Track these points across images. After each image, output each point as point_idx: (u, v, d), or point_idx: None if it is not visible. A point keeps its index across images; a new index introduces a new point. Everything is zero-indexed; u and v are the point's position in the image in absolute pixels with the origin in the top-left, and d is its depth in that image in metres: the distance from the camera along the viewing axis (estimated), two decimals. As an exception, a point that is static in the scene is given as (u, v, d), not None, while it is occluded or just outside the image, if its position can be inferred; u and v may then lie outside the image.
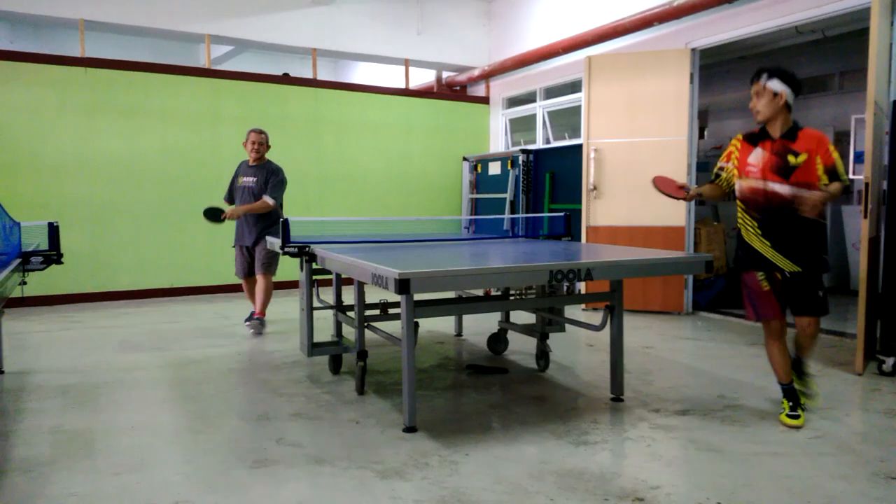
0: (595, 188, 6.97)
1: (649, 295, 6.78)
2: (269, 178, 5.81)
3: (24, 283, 3.96)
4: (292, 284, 8.23)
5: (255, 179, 5.83)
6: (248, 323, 5.87)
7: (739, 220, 3.57)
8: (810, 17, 5.86)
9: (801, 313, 3.60)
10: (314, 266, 4.32)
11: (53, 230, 4.08)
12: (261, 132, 5.91)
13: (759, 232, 3.47)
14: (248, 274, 6.03)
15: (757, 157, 3.50)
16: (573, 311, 6.68)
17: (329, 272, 4.64)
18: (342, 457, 3.02)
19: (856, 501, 2.56)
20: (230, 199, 6.02)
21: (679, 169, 6.64)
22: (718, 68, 9.29)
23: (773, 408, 3.71)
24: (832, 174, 3.35)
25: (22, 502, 2.59)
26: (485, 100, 10.14)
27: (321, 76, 9.31)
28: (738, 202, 3.58)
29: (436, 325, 5.99)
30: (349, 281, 3.98)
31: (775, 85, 3.52)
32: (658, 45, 7.03)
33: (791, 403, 3.44)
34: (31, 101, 7.29)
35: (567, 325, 4.69)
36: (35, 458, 3.02)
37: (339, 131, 8.98)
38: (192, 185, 8.11)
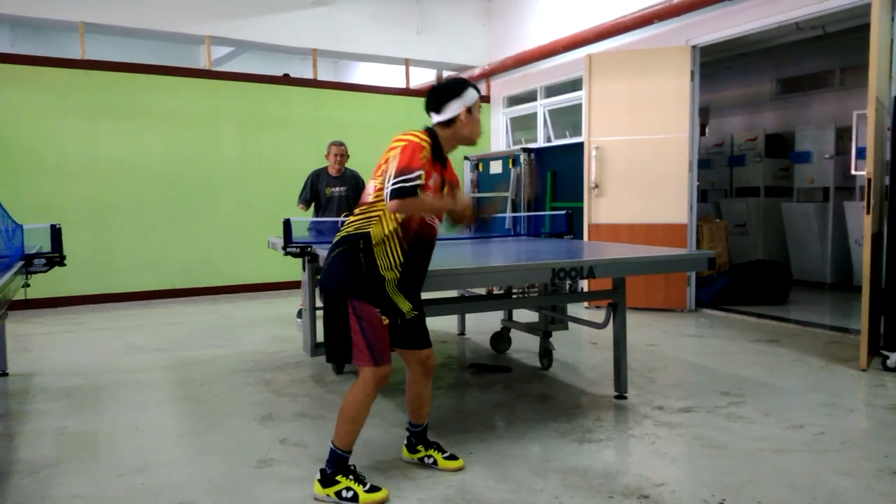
0: (597, 186, 6.96)
1: (652, 292, 6.78)
2: (358, 179, 6.19)
3: (28, 285, 3.96)
4: (294, 285, 8.25)
5: (345, 188, 6.10)
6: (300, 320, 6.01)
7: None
8: (811, 14, 5.85)
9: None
10: (317, 266, 4.31)
11: (56, 232, 4.07)
12: (341, 144, 6.20)
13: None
14: None
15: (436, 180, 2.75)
16: (576, 309, 6.68)
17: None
18: (346, 456, 3.01)
19: (861, 497, 2.56)
20: (307, 204, 6.16)
21: (680, 167, 6.64)
22: (719, 65, 9.28)
23: (777, 404, 3.70)
24: None
25: (27, 504, 2.59)
26: (485, 99, 10.13)
27: (321, 77, 9.30)
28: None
29: (439, 324, 5.98)
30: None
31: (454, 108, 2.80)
32: (659, 42, 7.02)
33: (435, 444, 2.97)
34: (31, 104, 7.29)
35: (570, 323, 4.69)
36: (40, 459, 3.03)
37: (339, 131, 8.93)
38: (194, 186, 8.12)
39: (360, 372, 2.63)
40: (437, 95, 2.77)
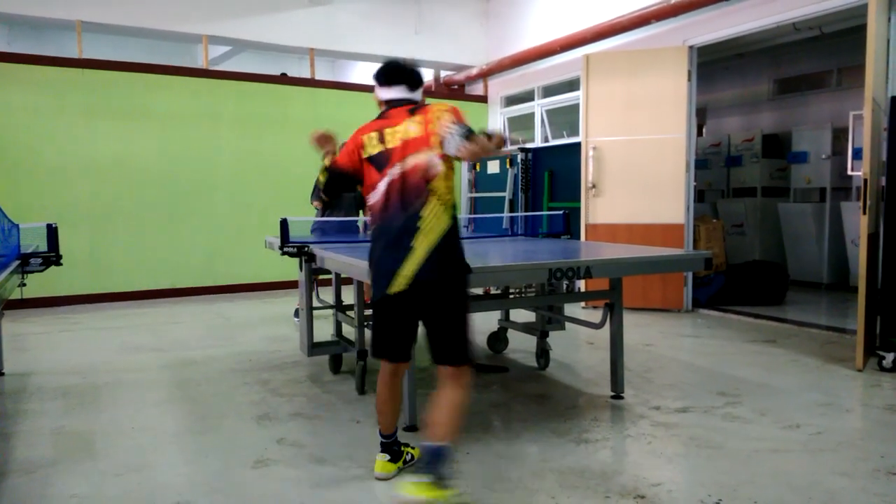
0: (594, 186, 6.97)
1: (649, 292, 6.79)
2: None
3: (24, 284, 3.95)
4: (292, 285, 8.24)
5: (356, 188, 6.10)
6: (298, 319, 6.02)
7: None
8: (808, 14, 5.86)
9: None
10: (313, 266, 4.31)
11: (52, 231, 4.06)
12: None
13: None
14: None
15: None
16: (573, 309, 6.68)
17: (328, 272, 4.64)
18: (343, 456, 3.02)
19: (857, 497, 2.57)
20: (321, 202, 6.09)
21: (677, 167, 6.65)
22: (716, 66, 9.30)
23: (773, 404, 3.71)
24: None
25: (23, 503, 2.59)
26: (483, 98, 10.13)
27: (319, 76, 9.30)
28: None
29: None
30: (348, 280, 3.98)
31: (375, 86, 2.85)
32: (656, 42, 7.03)
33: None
34: (28, 103, 7.27)
35: (567, 323, 4.69)
36: (36, 459, 3.02)
37: (337, 131, 8.94)
38: (191, 185, 8.11)
39: (463, 372, 2.56)
40: (418, 75, 2.81)
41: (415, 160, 2.55)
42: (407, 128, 2.59)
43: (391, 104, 2.70)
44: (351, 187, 2.83)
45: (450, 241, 2.54)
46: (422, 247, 2.49)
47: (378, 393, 2.78)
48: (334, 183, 2.80)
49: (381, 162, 2.60)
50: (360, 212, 6.20)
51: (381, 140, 2.62)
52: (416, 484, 2.33)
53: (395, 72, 2.74)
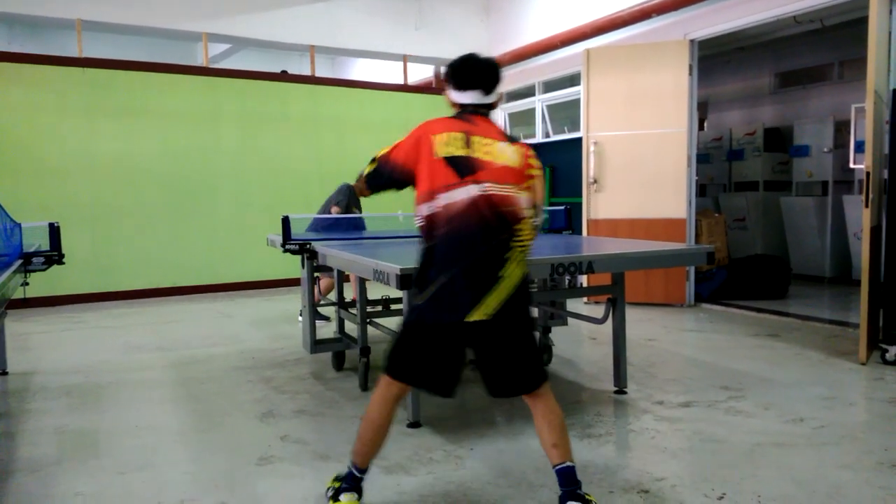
0: (595, 181, 6.96)
1: (651, 287, 6.78)
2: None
3: (27, 283, 3.96)
4: (294, 282, 8.25)
5: (359, 212, 6.16)
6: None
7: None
8: (809, 7, 5.84)
9: None
10: (315, 263, 4.31)
11: (54, 231, 4.07)
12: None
13: None
14: None
15: None
16: (575, 305, 6.68)
17: (330, 269, 4.64)
18: (347, 453, 2.98)
19: (861, 490, 2.57)
20: (344, 210, 6.10)
21: (679, 161, 6.64)
22: (717, 59, 9.28)
23: (777, 398, 3.71)
24: None
25: (28, 502, 2.60)
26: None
27: (319, 73, 9.29)
28: None
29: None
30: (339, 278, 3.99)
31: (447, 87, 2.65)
32: (657, 36, 7.01)
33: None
34: (29, 102, 7.27)
35: (569, 319, 4.70)
36: (40, 458, 3.03)
37: (338, 128, 8.98)
38: (193, 183, 8.11)
39: (547, 389, 2.42)
40: (496, 75, 2.51)
41: (508, 189, 2.32)
42: (503, 149, 2.37)
43: (467, 109, 2.48)
44: (399, 187, 2.49)
45: (526, 286, 2.40)
46: (511, 279, 2.30)
47: (370, 418, 2.42)
48: (381, 178, 2.49)
49: (465, 168, 2.31)
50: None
51: (468, 144, 2.34)
52: None
53: (472, 74, 2.49)
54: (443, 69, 2.55)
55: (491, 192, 2.30)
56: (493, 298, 2.28)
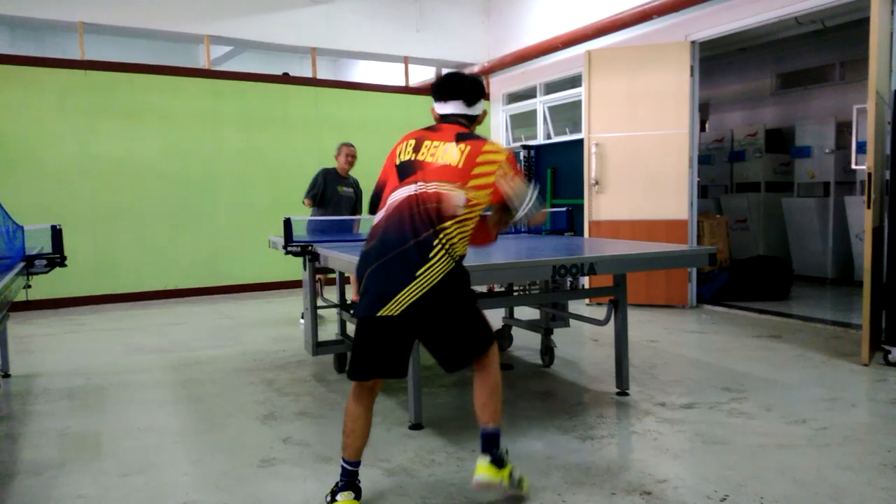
0: (597, 183, 6.96)
1: (653, 289, 6.78)
2: (360, 189, 6.31)
3: (29, 286, 3.96)
4: (295, 284, 8.25)
5: (352, 190, 6.23)
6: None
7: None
8: (810, 8, 5.84)
9: None
10: (317, 265, 4.31)
11: (56, 233, 4.07)
12: (352, 145, 6.27)
13: None
14: None
15: None
16: (577, 306, 6.67)
17: (332, 271, 4.64)
18: (349, 455, 3.01)
19: (863, 492, 2.56)
20: (315, 200, 6.12)
21: (680, 162, 6.64)
22: (719, 61, 9.27)
23: (779, 400, 3.70)
24: None
25: (31, 505, 2.60)
26: (485, 96, 10.10)
27: (321, 75, 9.30)
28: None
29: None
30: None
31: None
32: (658, 38, 7.01)
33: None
34: (31, 105, 7.29)
35: (571, 321, 4.69)
36: (43, 460, 3.03)
37: (339, 130, 8.97)
38: (194, 185, 8.12)
39: (490, 354, 2.55)
40: (477, 88, 2.65)
41: (439, 187, 2.39)
42: (447, 149, 2.45)
43: (445, 119, 2.61)
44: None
45: (454, 277, 2.41)
46: (429, 277, 2.34)
47: (347, 411, 2.48)
48: (373, 200, 2.62)
49: (407, 170, 2.46)
50: (354, 212, 6.24)
51: (417, 149, 2.50)
52: (480, 466, 2.48)
53: (451, 86, 2.61)
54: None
55: (422, 191, 2.40)
56: (405, 297, 2.34)
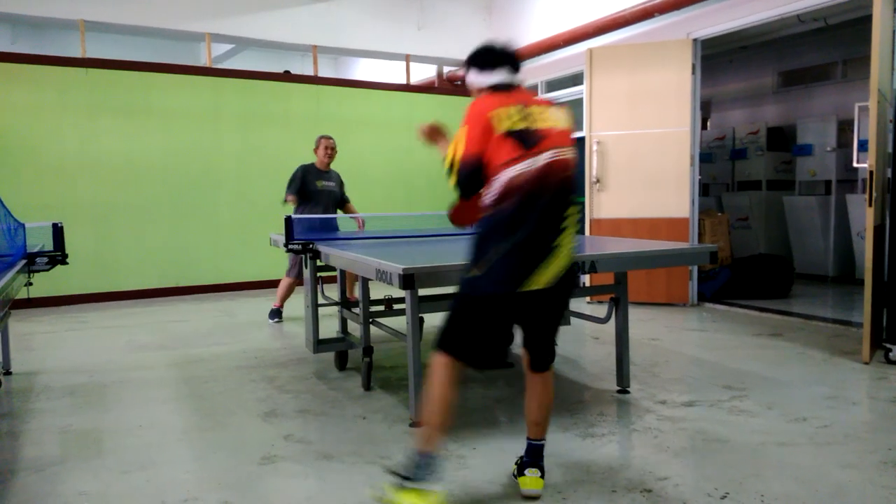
0: (598, 181, 6.96)
1: (654, 287, 6.78)
2: (341, 180, 6.24)
3: (30, 283, 3.97)
4: (296, 282, 8.25)
5: (333, 184, 6.14)
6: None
7: None
8: (812, 6, 5.83)
9: None
10: (318, 263, 4.31)
11: (58, 231, 4.08)
12: (331, 138, 6.14)
13: None
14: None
15: None
16: (578, 304, 6.68)
17: (333, 269, 4.64)
18: (350, 452, 3.02)
19: (864, 489, 2.56)
20: (297, 197, 6.05)
21: (682, 160, 6.63)
22: (721, 58, 9.26)
23: (780, 398, 3.70)
24: None
25: (33, 502, 2.60)
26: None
27: (322, 73, 9.31)
28: None
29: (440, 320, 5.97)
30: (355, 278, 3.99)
31: (467, 74, 2.63)
32: (659, 35, 7.01)
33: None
34: (32, 103, 7.29)
35: (572, 318, 4.69)
36: (45, 457, 3.04)
37: (340, 128, 8.94)
38: (195, 183, 8.12)
39: (551, 373, 2.61)
40: (517, 55, 2.55)
41: (566, 153, 2.40)
42: (553, 114, 2.43)
43: (500, 88, 2.47)
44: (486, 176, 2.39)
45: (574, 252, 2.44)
46: (566, 248, 2.35)
47: (439, 396, 2.37)
48: (473, 178, 2.37)
49: (528, 139, 2.33)
50: (338, 210, 6.17)
51: (527, 117, 2.36)
52: (532, 480, 2.51)
53: (497, 53, 2.52)
54: (462, 68, 2.61)
55: (556, 159, 2.35)
56: (550, 269, 2.31)
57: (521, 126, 2.34)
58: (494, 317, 2.38)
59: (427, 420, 2.39)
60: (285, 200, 6.04)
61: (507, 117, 2.34)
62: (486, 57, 2.52)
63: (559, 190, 2.34)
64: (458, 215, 2.60)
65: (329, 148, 6.05)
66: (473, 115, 2.37)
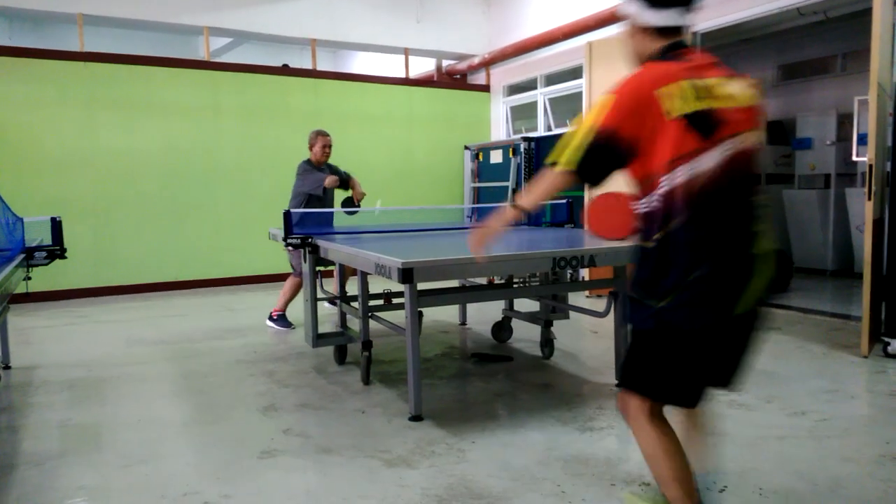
0: (597, 175, 6.94)
1: (653, 281, 6.76)
2: (339, 169, 5.93)
3: (29, 278, 3.97)
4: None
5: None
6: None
7: None
8: (812, -1, 5.81)
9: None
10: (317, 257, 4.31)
11: (56, 225, 4.08)
12: (328, 134, 5.88)
13: None
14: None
15: None
16: (577, 298, 6.67)
17: (332, 263, 4.64)
18: (349, 446, 3.03)
19: (862, 483, 2.57)
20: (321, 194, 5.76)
21: (681, 154, 6.62)
22: (721, 51, 9.15)
23: (779, 391, 3.71)
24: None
25: (32, 495, 2.61)
26: (485, 88, 10.09)
27: (321, 67, 9.27)
28: None
29: (440, 315, 5.99)
30: (352, 271, 3.99)
31: (626, 5, 2.14)
32: (659, 29, 6.97)
33: None
34: (31, 97, 7.27)
35: (571, 313, 4.69)
36: (44, 451, 3.04)
37: (339, 122, 8.95)
38: (194, 177, 8.11)
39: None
40: None
41: (754, 138, 1.84)
42: (737, 87, 1.85)
43: (671, 40, 1.94)
44: (622, 165, 1.92)
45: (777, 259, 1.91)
46: (767, 253, 1.84)
47: (656, 453, 1.93)
48: (605, 156, 1.87)
49: (708, 124, 1.77)
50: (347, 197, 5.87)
51: (703, 93, 1.79)
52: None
53: None
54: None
55: (742, 149, 1.81)
56: (758, 282, 1.81)
57: (698, 107, 1.77)
58: (699, 349, 1.85)
59: (668, 493, 1.94)
60: (324, 186, 5.59)
61: (680, 96, 1.78)
62: None
63: (748, 186, 1.84)
64: (599, 219, 2.01)
65: (328, 146, 5.86)
66: (632, 86, 1.83)
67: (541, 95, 9.18)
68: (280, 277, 8.42)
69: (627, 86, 1.84)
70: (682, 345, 1.84)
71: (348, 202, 5.74)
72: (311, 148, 5.90)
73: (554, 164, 1.95)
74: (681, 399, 1.94)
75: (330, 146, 5.89)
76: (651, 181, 1.84)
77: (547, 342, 4.55)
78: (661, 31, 1.93)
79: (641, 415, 1.94)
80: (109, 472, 2.81)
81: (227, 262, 8.33)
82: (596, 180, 1.95)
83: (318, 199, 5.76)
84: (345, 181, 5.87)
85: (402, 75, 9.63)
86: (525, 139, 8.72)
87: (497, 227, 2.18)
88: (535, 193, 2.03)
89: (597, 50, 6.93)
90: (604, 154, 1.84)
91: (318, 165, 5.90)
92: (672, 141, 1.77)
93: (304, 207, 5.82)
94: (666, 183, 1.79)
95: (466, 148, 9.75)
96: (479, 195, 9.50)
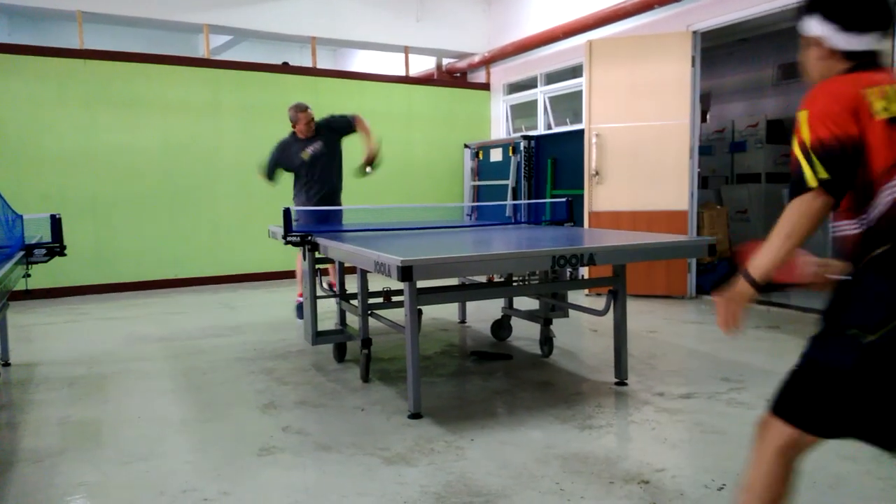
0: (597, 173, 6.95)
1: (652, 279, 6.78)
2: (332, 123, 5.91)
3: (29, 275, 3.96)
4: (295, 274, 8.25)
5: (321, 143, 5.83)
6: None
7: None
8: (813, -2, 5.80)
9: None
10: (317, 255, 4.31)
11: (56, 222, 4.07)
12: (307, 108, 5.87)
13: None
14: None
15: None
16: (576, 297, 6.68)
17: (332, 261, 4.64)
18: (348, 444, 3.03)
19: (862, 481, 2.57)
20: (272, 175, 5.95)
21: (681, 153, 6.62)
22: (721, 51, 9.23)
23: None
24: None
25: (31, 492, 2.61)
26: (485, 86, 10.09)
27: (321, 65, 9.27)
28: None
29: (439, 313, 5.99)
30: (352, 269, 3.99)
31: (811, 26, 1.87)
32: (659, 28, 6.98)
33: None
34: (30, 94, 7.27)
35: (570, 311, 4.70)
36: (44, 448, 3.04)
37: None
38: (194, 174, 8.11)
39: None
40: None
41: None
42: None
43: (861, 66, 1.72)
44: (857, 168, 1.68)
45: None
46: None
47: (774, 497, 1.80)
48: (848, 165, 1.66)
49: None
50: (332, 162, 5.90)
51: None
52: None
53: (876, 6, 1.73)
54: (802, 14, 1.92)
55: None
56: None
57: None
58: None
59: None
60: (303, 159, 5.79)
61: (884, 97, 1.63)
62: (860, 9, 1.74)
63: None
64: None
65: (311, 120, 5.81)
66: (830, 91, 1.68)
67: (541, 94, 9.18)
68: (280, 275, 8.44)
69: (821, 93, 1.69)
70: (882, 383, 1.61)
71: (360, 170, 5.71)
72: (294, 125, 5.88)
73: (799, 192, 1.76)
74: (883, 441, 1.72)
75: (307, 120, 5.82)
76: (868, 191, 1.68)
77: (546, 340, 4.56)
78: (853, 54, 1.75)
79: (778, 446, 1.79)
80: (109, 468, 2.81)
81: (227, 259, 8.33)
82: (844, 192, 1.75)
83: (305, 174, 5.76)
84: (321, 157, 5.78)
85: (402, 73, 9.62)
86: (525, 137, 8.72)
87: (739, 306, 1.96)
88: (779, 244, 1.80)
89: (597, 48, 6.93)
90: (848, 162, 1.65)
91: (302, 137, 5.83)
92: (886, 143, 1.61)
93: (294, 184, 5.78)
94: (888, 192, 1.64)
95: (466, 146, 9.75)
96: (478, 193, 9.50)
